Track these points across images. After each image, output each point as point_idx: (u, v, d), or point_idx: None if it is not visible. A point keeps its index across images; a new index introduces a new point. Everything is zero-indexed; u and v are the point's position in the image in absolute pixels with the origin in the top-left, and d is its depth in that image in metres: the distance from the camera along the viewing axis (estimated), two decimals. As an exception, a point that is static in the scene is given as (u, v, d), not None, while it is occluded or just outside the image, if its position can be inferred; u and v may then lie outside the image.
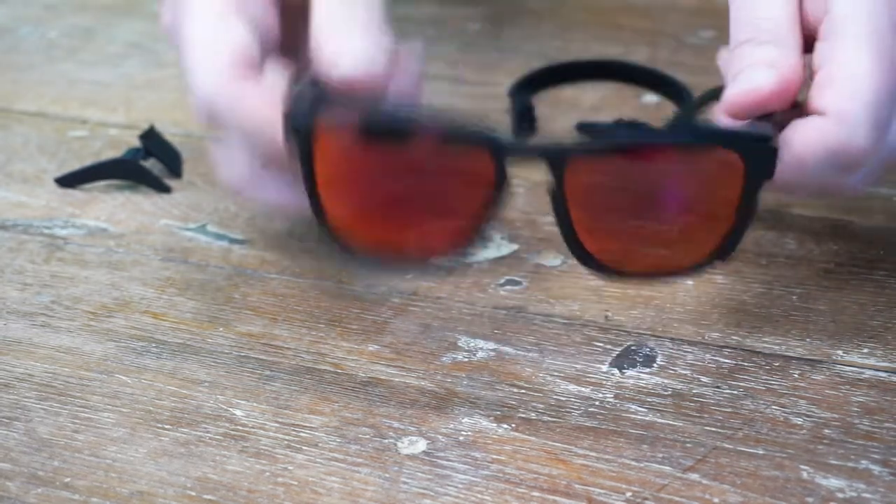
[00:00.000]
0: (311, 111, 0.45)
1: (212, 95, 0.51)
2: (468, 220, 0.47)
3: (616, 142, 0.47)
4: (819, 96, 0.49)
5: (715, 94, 0.55)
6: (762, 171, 0.48)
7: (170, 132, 0.69)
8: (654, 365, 0.51)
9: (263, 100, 0.50)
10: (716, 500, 0.45)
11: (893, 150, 0.50)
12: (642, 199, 0.49)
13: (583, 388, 0.50)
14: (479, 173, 0.47)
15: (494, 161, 0.46)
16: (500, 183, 0.47)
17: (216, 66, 0.51)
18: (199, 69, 0.51)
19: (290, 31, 0.53)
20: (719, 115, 0.50)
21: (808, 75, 0.51)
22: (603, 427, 0.48)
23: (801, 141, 0.48)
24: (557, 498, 0.45)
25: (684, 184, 0.49)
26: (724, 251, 0.50)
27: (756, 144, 0.48)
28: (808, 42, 0.51)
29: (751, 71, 0.49)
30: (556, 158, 0.47)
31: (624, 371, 0.51)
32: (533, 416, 0.49)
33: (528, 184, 0.64)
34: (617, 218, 0.49)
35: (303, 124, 0.45)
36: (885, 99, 0.48)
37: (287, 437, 0.49)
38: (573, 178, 0.47)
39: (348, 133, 0.45)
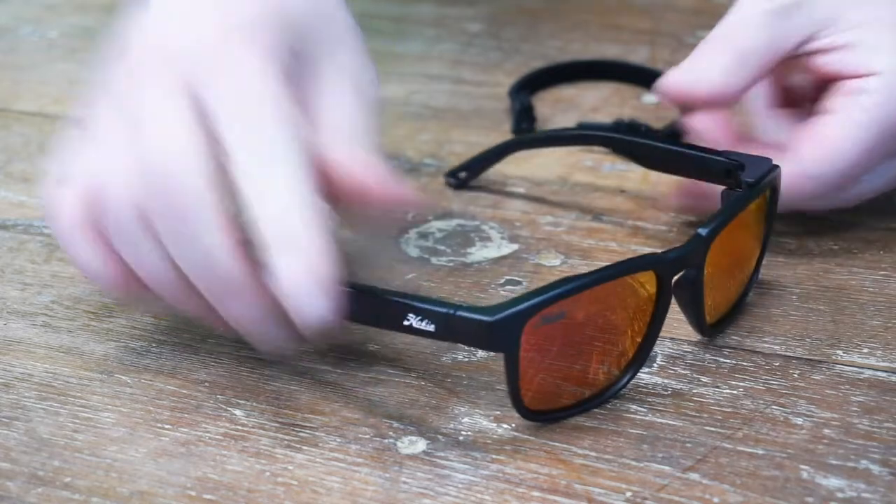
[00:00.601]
0: (505, 315, 0.46)
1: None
2: (636, 342, 0.50)
3: (734, 206, 0.52)
4: (805, 139, 0.56)
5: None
6: (777, 192, 0.55)
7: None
8: (654, 365, 0.51)
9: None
10: (716, 499, 0.45)
11: (860, 196, 0.58)
12: (735, 248, 0.53)
13: (583, 388, 0.50)
14: (642, 297, 0.49)
15: (658, 280, 0.49)
16: (664, 299, 0.49)
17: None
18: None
19: None
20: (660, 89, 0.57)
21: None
22: (603, 427, 0.48)
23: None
24: (557, 498, 0.45)
25: (754, 223, 0.54)
26: (758, 271, 0.55)
27: (776, 171, 0.54)
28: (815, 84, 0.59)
29: (696, 68, 0.57)
30: (702, 250, 0.50)
31: (624, 371, 0.51)
32: (533, 415, 0.49)
33: (528, 184, 0.64)
34: (718, 277, 0.52)
35: (509, 333, 0.46)
36: (853, 174, 0.56)
37: (287, 437, 0.49)
38: (710, 258, 0.50)
39: (539, 318, 0.46)
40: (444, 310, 0.46)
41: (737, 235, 0.52)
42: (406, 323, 0.47)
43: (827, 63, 0.57)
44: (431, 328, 0.46)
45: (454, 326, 0.46)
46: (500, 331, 0.45)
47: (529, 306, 0.46)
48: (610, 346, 0.49)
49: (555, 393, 0.48)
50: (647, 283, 0.48)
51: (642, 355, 0.49)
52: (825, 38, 0.57)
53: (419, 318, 0.47)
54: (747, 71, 0.56)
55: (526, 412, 0.48)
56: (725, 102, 0.57)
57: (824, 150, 0.55)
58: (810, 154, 0.56)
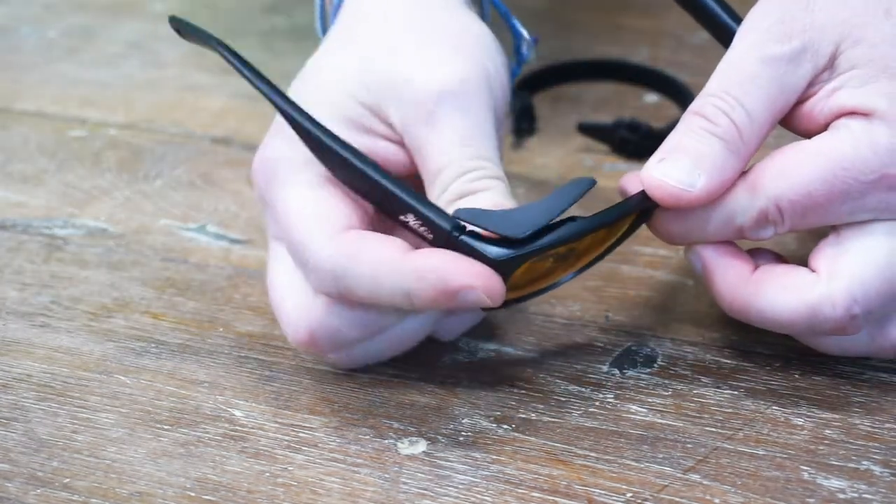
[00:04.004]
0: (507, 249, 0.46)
1: (335, 257, 0.47)
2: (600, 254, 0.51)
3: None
4: (824, 257, 0.48)
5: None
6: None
7: (169, 132, 0.69)
8: (655, 365, 0.51)
9: (388, 246, 0.47)
10: (716, 500, 0.45)
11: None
12: None
13: (583, 389, 0.50)
14: (619, 227, 0.50)
15: (637, 216, 0.50)
16: (634, 227, 0.50)
17: (329, 232, 0.48)
18: (312, 239, 0.47)
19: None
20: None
21: None
22: (603, 427, 0.48)
23: (783, 295, 0.48)
24: (557, 498, 0.45)
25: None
26: None
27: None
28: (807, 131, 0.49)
29: (682, 168, 0.47)
30: None
31: (624, 371, 0.51)
32: (533, 416, 0.49)
33: (528, 184, 0.64)
34: None
35: (506, 263, 0.46)
36: (886, 291, 0.47)
37: (287, 438, 0.49)
38: None
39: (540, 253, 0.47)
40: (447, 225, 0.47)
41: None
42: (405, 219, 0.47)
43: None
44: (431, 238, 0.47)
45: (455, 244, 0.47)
46: (501, 264, 0.46)
47: (537, 248, 0.46)
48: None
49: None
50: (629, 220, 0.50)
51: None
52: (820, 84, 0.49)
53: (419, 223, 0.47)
54: (749, 148, 0.48)
55: None
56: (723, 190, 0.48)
57: (777, 169, 0.47)
58: (763, 171, 0.47)
